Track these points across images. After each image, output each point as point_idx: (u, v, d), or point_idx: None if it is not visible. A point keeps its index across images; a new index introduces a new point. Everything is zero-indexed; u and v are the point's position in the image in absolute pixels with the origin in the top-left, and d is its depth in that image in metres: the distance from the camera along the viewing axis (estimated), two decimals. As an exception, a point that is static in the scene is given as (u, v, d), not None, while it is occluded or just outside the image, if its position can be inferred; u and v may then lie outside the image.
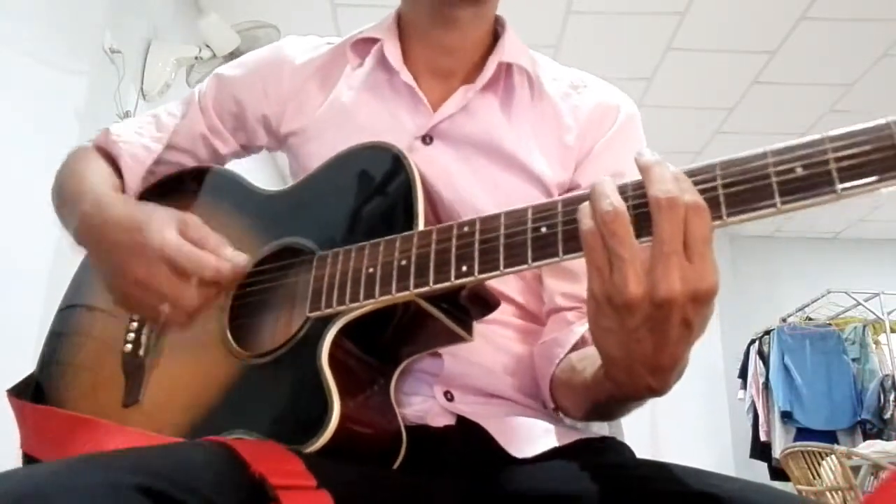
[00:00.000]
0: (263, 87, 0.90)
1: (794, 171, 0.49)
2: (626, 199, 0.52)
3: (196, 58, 2.80)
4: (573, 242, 0.54)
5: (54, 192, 0.88)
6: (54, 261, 1.93)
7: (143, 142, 0.90)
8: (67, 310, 0.87)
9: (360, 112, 0.86)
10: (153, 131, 0.92)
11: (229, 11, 2.98)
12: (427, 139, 0.83)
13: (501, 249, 0.58)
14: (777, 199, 0.49)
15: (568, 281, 0.80)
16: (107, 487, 0.41)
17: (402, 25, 0.89)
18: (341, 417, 0.59)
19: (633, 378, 0.57)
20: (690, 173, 0.52)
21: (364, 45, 0.89)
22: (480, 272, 0.59)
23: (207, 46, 2.80)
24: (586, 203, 0.53)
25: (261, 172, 3.64)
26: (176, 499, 0.42)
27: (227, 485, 0.46)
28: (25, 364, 0.85)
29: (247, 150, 0.96)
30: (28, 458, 0.73)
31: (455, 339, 0.69)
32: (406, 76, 0.85)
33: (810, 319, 5.10)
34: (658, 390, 0.57)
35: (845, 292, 4.91)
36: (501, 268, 0.58)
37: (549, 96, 0.87)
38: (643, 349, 0.53)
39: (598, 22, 3.37)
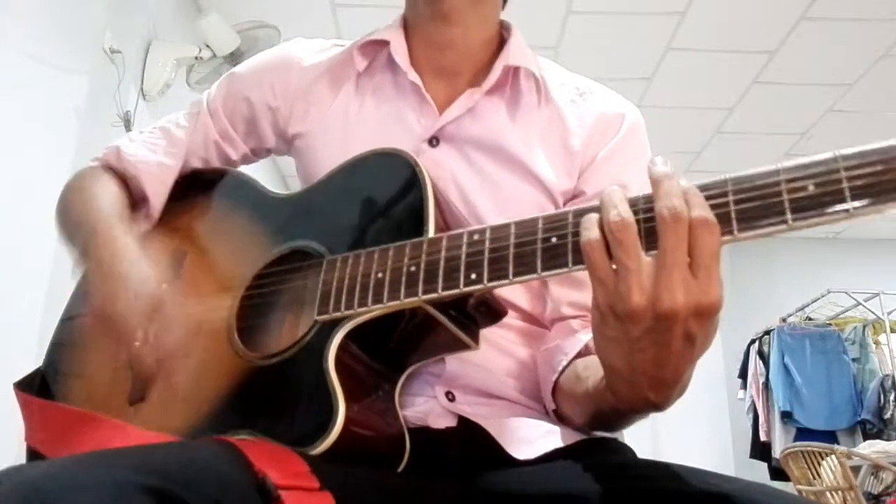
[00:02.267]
0: (271, 85, 0.90)
1: (806, 188, 0.49)
2: (636, 213, 0.53)
3: (196, 58, 2.80)
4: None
5: (59, 209, 0.88)
6: (55, 260, 1.93)
7: (158, 159, 0.89)
8: (71, 319, 0.86)
9: (366, 115, 0.86)
10: (166, 146, 0.91)
11: (229, 11, 2.98)
12: (433, 141, 0.84)
13: (511, 258, 0.58)
14: (788, 217, 0.49)
15: (575, 289, 0.79)
16: (112, 486, 0.41)
17: (407, 27, 0.90)
18: (346, 421, 0.59)
19: (634, 390, 0.57)
20: (702, 188, 0.52)
21: (372, 47, 0.89)
22: (489, 280, 0.59)
23: (207, 46, 2.80)
24: (590, 214, 0.54)
25: (261, 175, 3.64)
26: (180, 498, 0.42)
27: (231, 484, 0.46)
28: (26, 363, 0.85)
29: (256, 154, 0.96)
30: (32, 452, 0.73)
31: (461, 346, 0.70)
32: (413, 76, 0.85)
33: (810, 319, 5.11)
34: (658, 405, 0.58)
35: (845, 292, 4.92)
36: (510, 277, 0.58)
37: (555, 101, 0.87)
38: (645, 361, 0.54)
39: (598, 22, 3.38)
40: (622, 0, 3.22)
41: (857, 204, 0.47)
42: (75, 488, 0.40)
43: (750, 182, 0.51)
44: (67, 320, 0.87)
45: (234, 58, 2.80)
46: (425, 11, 0.86)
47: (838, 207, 0.48)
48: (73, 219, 0.84)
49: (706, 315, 0.51)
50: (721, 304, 0.51)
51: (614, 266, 0.52)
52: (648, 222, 0.52)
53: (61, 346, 0.84)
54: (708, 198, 0.52)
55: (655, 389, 0.56)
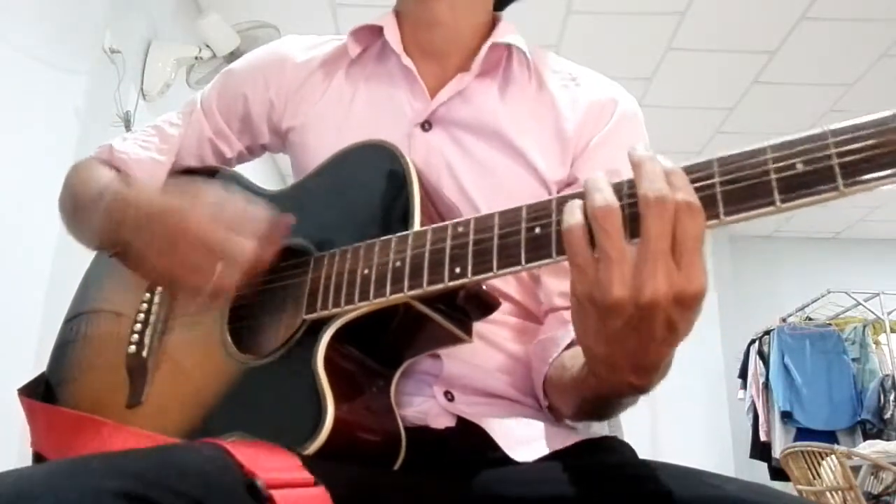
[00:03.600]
0: (266, 81, 0.91)
1: (795, 167, 0.47)
2: (620, 198, 0.51)
3: (196, 58, 2.80)
4: None
5: (65, 199, 0.87)
6: (55, 260, 1.93)
7: (150, 155, 0.89)
8: (74, 319, 0.87)
9: (359, 102, 0.87)
10: (158, 143, 0.91)
11: (229, 11, 2.98)
12: (426, 125, 0.84)
13: (495, 250, 0.57)
14: (776, 198, 0.47)
15: (566, 280, 0.79)
16: (88, 492, 0.41)
17: (399, 16, 0.90)
18: (335, 421, 0.59)
19: (615, 375, 0.56)
20: (687, 170, 0.51)
21: (365, 33, 0.90)
22: (474, 273, 0.58)
23: (207, 46, 2.80)
24: (573, 201, 0.52)
25: (261, 172, 3.65)
26: (155, 501, 0.42)
27: (216, 486, 0.46)
28: (26, 364, 0.85)
29: (251, 151, 0.96)
30: (38, 457, 0.74)
31: (454, 340, 0.69)
32: (406, 60, 0.86)
33: (810, 319, 5.10)
34: (641, 388, 0.57)
35: (845, 292, 4.91)
36: (495, 269, 0.57)
37: (548, 86, 0.87)
38: (625, 348, 0.53)
39: (598, 22, 3.38)
40: (622, 0, 3.22)
41: (848, 181, 0.45)
42: (52, 493, 0.41)
43: (736, 162, 0.49)
44: (71, 319, 0.87)
45: (234, 58, 2.77)
46: None
47: (828, 185, 0.46)
48: (82, 199, 0.83)
49: (688, 304, 0.50)
50: (704, 293, 0.49)
51: (596, 255, 0.51)
52: (632, 207, 0.50)
53: (65, 346, 0.84)
54: (693, 180, 0.50)
55: (637, 374, 0.55)
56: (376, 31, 0.89)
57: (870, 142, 0.45)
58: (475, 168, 0.82)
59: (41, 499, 0.40)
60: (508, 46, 0.86)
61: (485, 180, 0.81)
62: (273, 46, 0.95)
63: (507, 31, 0.88)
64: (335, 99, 0.88)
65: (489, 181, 0.81)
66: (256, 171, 0.89)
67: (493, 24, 0.91)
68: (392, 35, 0.87)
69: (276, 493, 0.47)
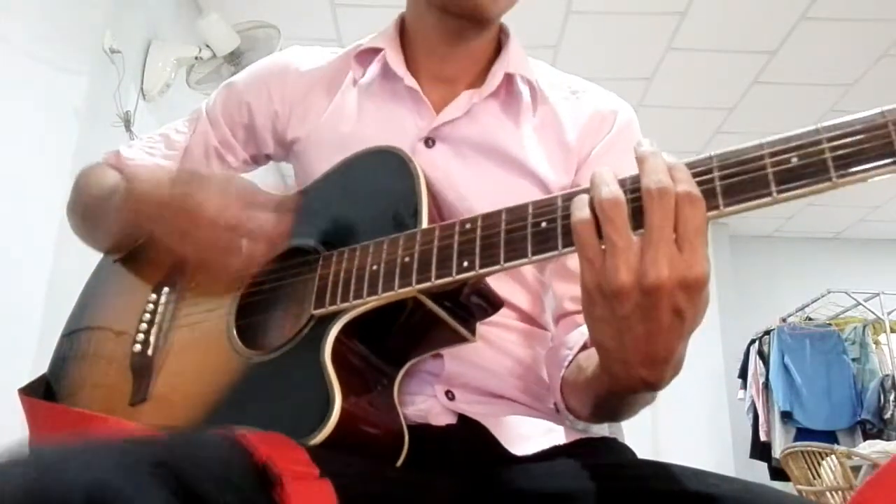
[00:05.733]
0: (269, 91, 0.91)
1: (790, 161, 0.50)
2: (624, 193, 0.53)
3: (196, 58, 2.80)
4: (572, 236, 0.55)
5: (75, 203, 0.88)
6: (55, 260, 1.93)
7: (155, 161, 0.91)
8: (74, 334, 0.86)
9: (363, 118, 0.87)
10: (164, 149, 0.92)
11: (229, 11, 2.98)
12: (429, 142, 0.84)
13: (502, 244, 0.59)
14: (773, 189, 0.50)
15: (575, 284, 0.79)
16: (120, 461, 0.41)
17: (406, 32, 0.91)
18: (342, 412, 0.60)
19: (627, 369, 0.57)
20: (688, 166, 0.53)
21: (367, 55, 0.90)
22: (481, 266, 0.59)
23: (207, 46, 2.80)
24: (581, 196, 0.55)
25: (264, 178, 3.64)
26: (187, 477, 0.43)
27: (234, 469, 0.47)
28: (26, 364, 0.85)
29: (256, 160, 0.97)
30: None
31: (458, 338, 0.70)
32: (410, 81, 0.86)
33: (810, 319, 5.10)
34: (653, 383, 0.57)
35: (845, 292, 4.91)
36: (502, 262, 0.58)
37: (549, 101, 0.88)
38: (635, 338, 0.54)
39: (598, 22, 3.38)
40: (622, 0, 3.22)
41: (840, 173, 0.48)
42: (81, 458, 0.41)
43: (735, 157, 0.52)
44: (70, 335, 0.86)
45: (234, 58, 2.81)
46: (437, 32, 0.86)
47: (822, 177, 0.49)
48: (95, 196, 0.84)
49: (693, 289, 0.51)
50: (707, 278, 0.52)
51: (603, 246, 0.53)
52: (635, 202, 0.53)
53: (63, 359, 0.84)
54: (693, 174, 0.53)
55: (648, 367, 0.56)
56: (379, 52, 0.89)
57: (860, 136, 0.48)
58: (480, 184, 0.82)
59: (67, 464, 0.40)
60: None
61: (490, 195, 0.81)
62: (276, 57, 0.96)
63: (518, 56, 0.89)
64: (339, 113, 0.88)
65: (494, 195, 0.81)
66: (258, 175, 0.89)
67: (498, 39, 0.91)
68: (395, 58, 0.87)
69: (285, 480, 0.48)
